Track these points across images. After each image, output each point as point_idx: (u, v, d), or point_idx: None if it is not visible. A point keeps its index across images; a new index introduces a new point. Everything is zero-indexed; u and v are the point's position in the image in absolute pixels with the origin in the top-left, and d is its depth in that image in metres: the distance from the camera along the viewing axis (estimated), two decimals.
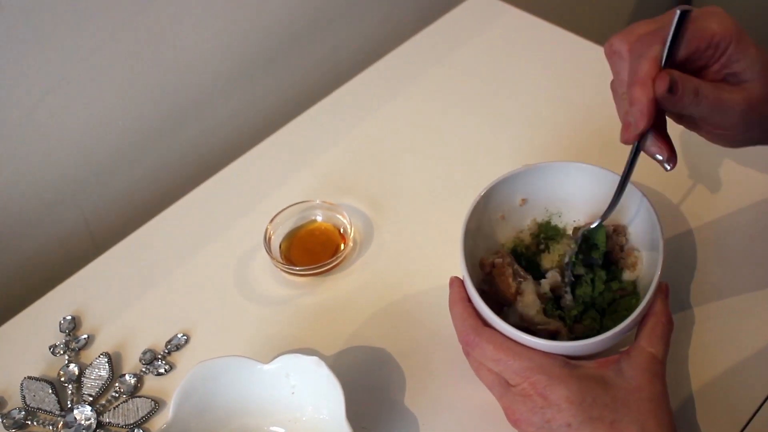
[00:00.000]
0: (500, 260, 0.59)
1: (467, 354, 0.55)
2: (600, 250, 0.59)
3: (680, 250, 0.67)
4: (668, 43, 0.47)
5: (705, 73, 0.50)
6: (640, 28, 0.50)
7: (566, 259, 0.59)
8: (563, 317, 0.58)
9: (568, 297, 0.58)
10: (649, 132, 0.50)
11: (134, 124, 0.79)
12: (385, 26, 1.00)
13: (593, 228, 0.58)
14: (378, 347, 0.63)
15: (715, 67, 0.50)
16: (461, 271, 0.56)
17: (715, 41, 0.48)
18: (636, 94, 0.47)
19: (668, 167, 0.52)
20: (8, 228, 0.73)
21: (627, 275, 0.60)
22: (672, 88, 0.47)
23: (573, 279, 0.58)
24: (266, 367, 0.55)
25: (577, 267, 0.58)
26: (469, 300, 0.55)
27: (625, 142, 0.50)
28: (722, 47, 0.49)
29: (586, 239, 0.58)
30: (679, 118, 0.53)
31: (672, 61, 0.48)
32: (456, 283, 0.57)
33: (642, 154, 0.52)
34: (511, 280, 0.58)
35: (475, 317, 0.54)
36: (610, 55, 0.52)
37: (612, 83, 0.53)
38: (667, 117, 0.52)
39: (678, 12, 0.46)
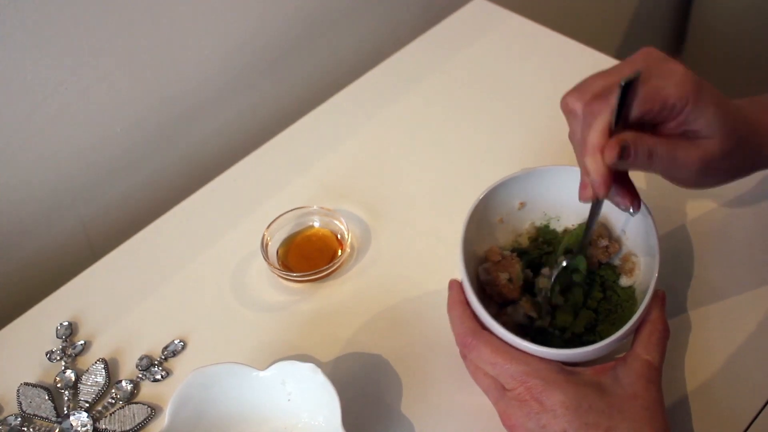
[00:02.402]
0: (509, 254, 0.60)
1: (464, 357, 0.56)
2: (581, 273, 0.58)
3: (677, 255, 0.67)
4: (614, 109, 0.47)
5: (662, 128, 0.50)
6: (595, 85, 0.50)
7: (542, 293, 0.59)
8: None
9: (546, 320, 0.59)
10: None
11: (132, 129, 0.79)
12: (383, 31, 1.00)
13: (568, 264, 0.58)
14: (374, 353, 0.63)
15: (671, 125, 0.50)
16: (460, 274, 0.56)
17: (669, 104, 0.48)
18: (589, 164, 0.48)
19: (632, 212, 0.53)
20: (6, 233, 0.73)
21: (624, 281, 0.60)
22: (623, 155, 0.47)
23: (550, 309, 0.58)
24: (262, 373, 0.54)
25: (555, 297, 0.58)
26: (468, 303, 0.55)
27: (582, 200, 0.51)
28: (678, 108, 0.49)
29: (564, 270, 0.58)
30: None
31: (625, 122, 0.48)
32: (455, 285, 0.57)
33: None
34: (515, 276, 0.58)
35: (473, 320, 0.54)
36: (566, 113, 0.52)
37: (570, 137, 0.53)
38: None
39: (621, 83, 0.46)
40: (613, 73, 0.51)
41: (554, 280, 0.57)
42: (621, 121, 0.47)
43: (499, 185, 0.60)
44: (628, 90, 0.46)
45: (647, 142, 0.48)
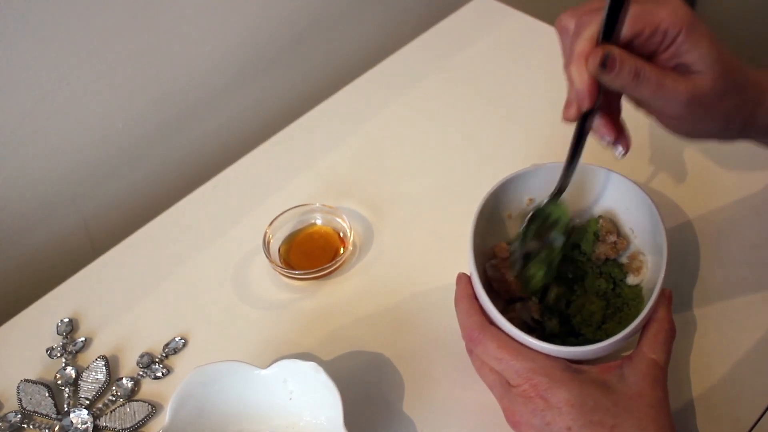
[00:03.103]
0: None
1: (470, 351, 0.55)
2: (560, 228, 0.57)
3: (684, 254, 0.66)
4: (603, 19, 0.46)
5: (655, 60, 0.49)
6: (592, 3, 0.49)
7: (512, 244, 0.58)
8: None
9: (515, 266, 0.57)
10: (594, 112, 0.50)
11: (134, 126, 0.78)
12: (386, 29, 0.99)
13: (543, 206, 0.56)
14: (376, 352, 0.62)
15: (665, 56, 0.49)
16: (469, 267, 0.55)
17: (662, 28, 0.47)
18: (571, 73, 0.47)
19: (618, 152, 0.51)
20: (7, 229, 0.73)
21: (631, 279, 0.59)
22: (605, 64, 0.46)
23: (522, 256, 0.57)
24: (264, 372, 0.54)
25: (527, 242, 0.56)
26: (475, 297, 0.55)
27: (565, 119, 0.50)
28: (671, 36, 0.47)
29: (534, 218, 0.57)
30: (636, 103, 0.52)
31: (615, 41, 0.47)
32: (463, 279, 0.57)
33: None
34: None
35: (480, 314, 0.54)
36: (560, 31, 0.51)
37: (564, 65, 0.51)
38: (625, 103, 0.51)
39: None
40: None
41: (527, 223, 0.56)
42: (612, 38, 0.46)
43: (508, 180, 0.60)
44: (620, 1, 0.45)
45: (634, 61, 0.47)
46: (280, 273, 0.68)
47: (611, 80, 0.47)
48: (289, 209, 0.71)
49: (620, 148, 0.51)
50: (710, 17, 1.50)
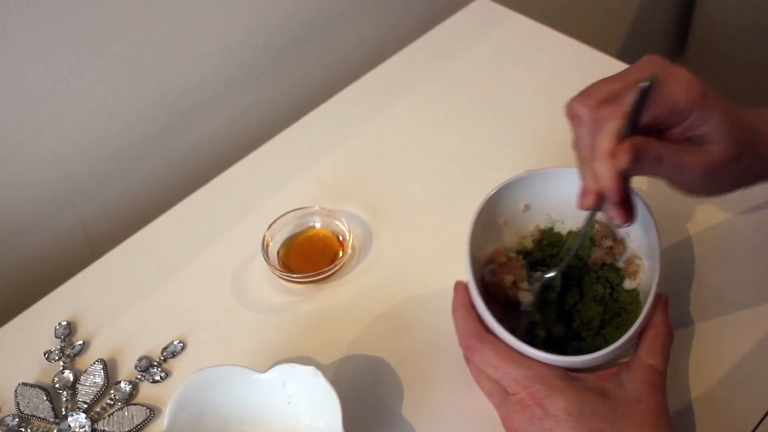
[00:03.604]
0: (514, 256, 0.60)
1: (467, 359, 0.55)
2: (555, 291, 0.59)
3: (681, 259, 0.66)
4: (629, 117, 0.47)
5: (667, 134, 0.50)
6: (601, 91, 0.50)
7: (522, 307, 0.58)
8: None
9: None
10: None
11: (133, 127, 0.78)
12: (385, 31, 0.99)
13: (549, 277, 0.58)
14: (376, 356, 0.62)
15: (678, 130, 0.50)
16: (466, 275, 0.55)
17: (678, 108, 0.48)
18: (600, 170, 0.48)
19: (620, 226, 0.53)
20: (5, 231, 0.73)
21: (628, 284, 0.59)
22: (636, 159, 0.47)
23: (528, 324, 0.58)
24: (263, 376, 0.54)
25: (533, 314, 0.58)
26: (473, 305, 0.55)
27: (583, 209, 0.51)
28: (686, 113, 0.48)
29: (544, 288, 0.58)
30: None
31: (634, 127, 0.48)
32: (460, 287, 0.57)
33: None
34: (519, 279, 0.58)
35: (477, 322, 0.54)
36: (571, 119, 0.51)
37: (573, 144, 0.52)
38: None
39: (641, 87, 0.46)
40: (617, 79, 0.50)
41: (535, 296, 0.57)
42: (630, 126, 0.47)
43: (503, 187, 0.60)
44: (645, 94, 0.46)
45: (656, 147, 0.48)
46: (278, 276, 0.68)
47: (636, 171, 0.48)
48: (287, 212, 0.71)
49: (627, 225, 0.53)
50: (709, 17, 1.50)
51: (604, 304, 0.59)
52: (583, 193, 0.51)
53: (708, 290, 0.64)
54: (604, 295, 0.59)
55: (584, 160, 0.50)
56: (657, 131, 0.50)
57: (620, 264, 0.61)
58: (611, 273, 0.60)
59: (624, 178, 0.48)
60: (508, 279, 0.58)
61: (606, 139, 0.47)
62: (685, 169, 0.50)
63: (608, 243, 0.60)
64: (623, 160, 0.47)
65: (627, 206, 0.51)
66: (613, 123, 0.47)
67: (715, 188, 0.53)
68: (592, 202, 0.50)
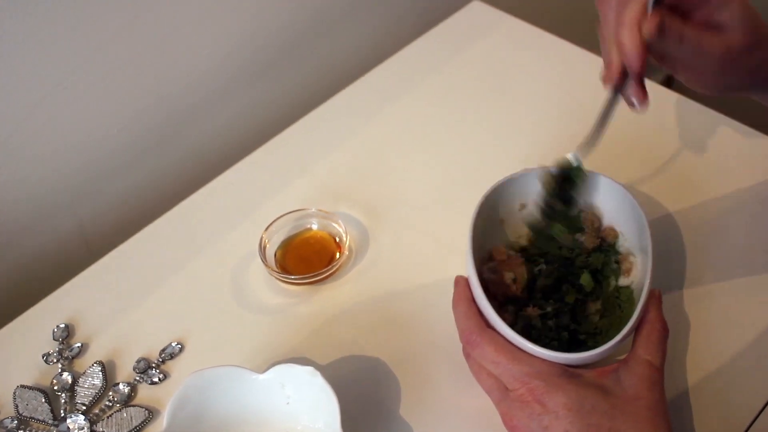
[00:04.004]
0: (514, 254, 0.60)
1: (467, 355, 0.55)
2: (578, 189, 0.57)
3: (673, 255, 0.67)
4: None
5: (688, 18, 0.52)
6: None
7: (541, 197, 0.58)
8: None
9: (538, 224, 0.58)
10: (629, 77, 0.52)
11: (130, 130, 0.78)
12: (381, 34, 1.00)
13: (573, 166, 0.56)
14: (373, 356, 0.63)
15: (699, 14, 0.52)
16: (468, 270, 0.55)
17: None
18: (624, 37, 0.50)
19: (640, 109, 0.54)
20: (2, 233, 0.73)
21: (622, 281, 0.60)
22: (660, 31, 0.49)
23: (544, 214, 0.57)
24: (261, 377, 0.54)
25: (553, 200, 0.57)
26: (474, 300, 0.55)
27: (606, 81, 0.53)
28: None
29: (564, 177, 0.57)
30: (660, 60, 0.55)
31: (658, 4, 0.49)
32: (461, 282, 0.57)
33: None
34: (519, 276, 0.59)
35: (478, 317, 0.54)
36: (600, 3, 0.53)
37: (600, 29, 0.54)
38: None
39: None
40: None
41: (553, 181, 0.56)
42: (656, 4, 0.49)
43: (500, 185, 0.60)
44: None
45: (679, 25, 0.50)
46: (276, 278, 0.68)
47: (660, 43, 0.50)
48: (285, 214, 0.71)
49: (643, 107, 0.54)
50: None
51: (599, 299, 0.60)
52: (607, 65, 0.53)
53: (701, 286, 0.65)
54: (598, 291, 0.60)
55: (609, 39, 0.52)
56: (680, 14, 0.51)
57: (614, 263, 0.61)
58: (606, 268, 0.61)
59: (646, 50, 0.50)
60: (509, 276, 0.59)
61: (633, 10, 0.50)
62: (703, 51, 0.51)
63: (596, 224, 0.60)
64: (650, 27, 0.48)
65: (644, 88, 0.53)
66: None
67: (728, 80, 0.54)
68: (616, 75, 0.52)
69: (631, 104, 0.54)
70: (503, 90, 0.85)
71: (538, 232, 0.59)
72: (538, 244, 0.61)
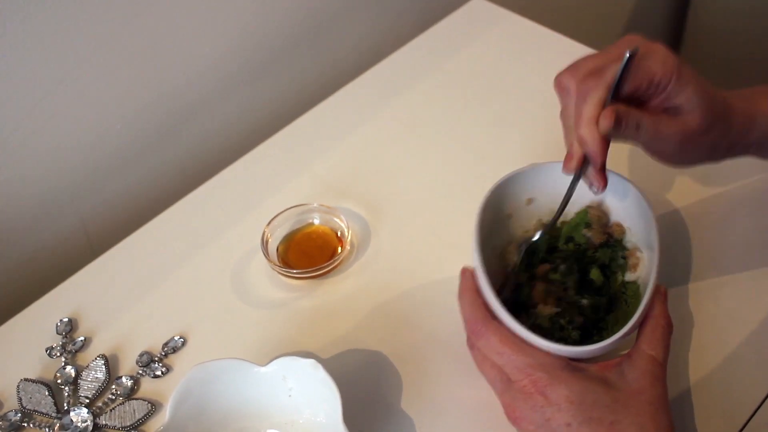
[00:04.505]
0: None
1: (471, 345, 0.56)
2: (538, 256, 0.61)
3: (678, 251, 0.67)
4: (613, 86, 0.51)
5: (646, 105, 0.54)
6: (587, 64, 0.54)
7: (509, 269, 0.61)
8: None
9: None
10: (589, 164, 0.55)
11: (132, 127, 0.79)
12: (382, 31, 1.00)
13: (534, 241, 0.60)
14: (375, 350, 0.63)
15: (656, 102, 0.54)
16: (475, 262, 0.56)
17: (656, 80, 0.53)
18: (585, 134, 0.52)
19: (596, 192, 0.57)
20: (6, 230, 0.73)
21: (629, 276, 0.60)
22: (617, 124, 0.51)
23: (514, 285, 0.60)
24: (263, 369, 0.55)
25: (520, 275, 0.60)
26: (479, 291, 0.55)
27: (567, 172, 0.56)
28: (663, 85, 0.53)
29: (528, 251, 0.60)
30: (624, 140, 0.57)
31: (616, 96, 0.52)
32: (467, 273, 0.57)
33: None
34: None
35: (483, 308, 0.54)
36: (559, 90, 0.56)
37: (561, 114, 0.56)
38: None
39: (627, 54, 0.50)
40: (601, 55, 0.54)
41: (522, 257, 0.60)
42: (613, 96, 0.52)
43: (509, 178, 0.60)
44: (628, 64, 0.51)
45: (635, 114, 0.52)
46: (278, 272, 0.68)
47: (617, 134, 0.52)
48: (287, 209, 0.71)
49: (600, 192, 0.57)
50: (703, 18, 1.51)
51: (606, 294, 0.60)
52: (567, 157, 0.55)
53: (704, 283, 0.65)
54: (605, 286, 0.60)
55: (570, 128, 0.55)
56: (637, 103, 0.54)
57: (621, 259, 0.61)
58: (613, 263, 0.61)
59: (606, 142, 0.52)
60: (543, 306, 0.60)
61: (591, 107, 0.52)
62: (661, 137, 0.54)
63: (604, 220, 0.61)
64: (606, 124, 0.51)
65: (604, 174, 0.55)
66: (598, 92, 0.52)
67: (688, 157, 0.57)
68: (576, 164, 0.55)
69: (591, 185, 0.56)
70: (504, 87, 0.86)
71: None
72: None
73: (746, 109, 0.57)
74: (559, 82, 0.55)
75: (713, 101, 0.54)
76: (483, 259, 0.55)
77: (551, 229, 0.60)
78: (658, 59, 0.52)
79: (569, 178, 0.60)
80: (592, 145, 0.52)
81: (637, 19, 1.52)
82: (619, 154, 0.71)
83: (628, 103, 0.53)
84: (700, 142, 0.55)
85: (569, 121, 0.55)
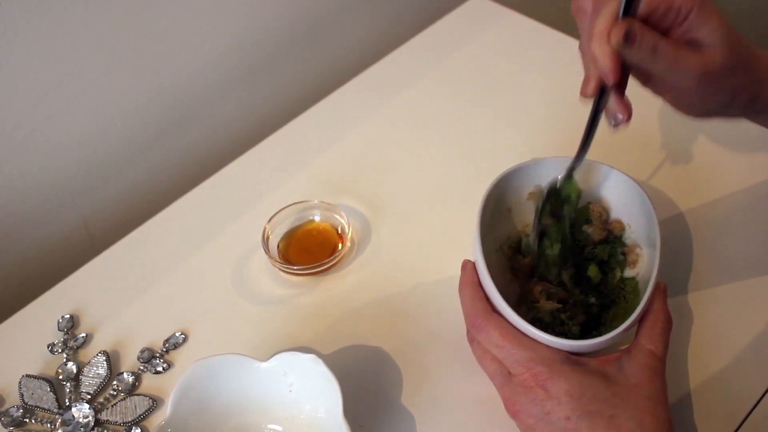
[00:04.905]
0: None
1: (472, 339, 0.56)
2: (572, 204, 0.59)
3: (678, 248, 0.67)
4: (622, 1, 0.48)
5: (668, 35, 0.50)
6: None
7: (535, 213, 0.60)
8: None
9: (532, 243, 0.60)
10: (610, 90, 0.51)
11: (133, 124, 0.79)
12: (382, 29, 1.00)
13: (561, 181, 0.58)
14: (375, 346, 0.63)
15: (678, 32, 0.50)
16: (475, 255, 0.56)
17: (675, 5, 0.49)
18: (594, 49, 0.49)
19: (622, 126, 0.53)
20: (7, 227, 0.73)
21: (628, 272, 0.60)
22: (628, 38, 0.47)
23: (540, 229, 0.59)
24: (264, 364, 0.55)
25: (545, 217, 0.59)
26: (480, 285, 0.55)
27: (583, 95, 0.52)
28: (683, 12, 0.49)
29: (554, 193, 0.59)
30: (644, 81, 0.53)
31: (632, 17, 0.49)
32: (468, 266, 0.57)
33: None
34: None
35: (484, 301, 0.54)
36: (576, 13, 0.53)
37: (580, 44, 0.53)
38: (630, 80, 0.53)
39: None
40: None
41: (543, 201, 0.58)
42: (630, 14, 0.48)
43: (510, 173, 0.61)
44: None
45: (652, 35, 0.48)
46: (279, 269, 0.69)
47: (632, 54, 0.49)
48: (287, 206, 0.71)
49: (626, 124, 0.53)
50: None
51: (604, 291, 0.60)
52: (585, 81, 0.52)
53: (704, 279, 0.65)
54: (604, 282, 0.60)
55: (585, 47, 0.51)
56: (660, 31, 0.50)
57: (620, 255, 0.61)
58: (612, 260, 0.61)
59: (619, 59, 0.49)
60: (529, 252, 0.59)
61: (601, 21, 0.49)
62: (681, 67, 0.49)
63: (604, 217, 0.61)
64: (616, 36, 0.47)
65: (627, 103, 0.52)
66: (610, 6, 0.49)
67: (707, 101, 0.53)
68: (594, 86, 0.51)
69: (615, 120, 0.52)
70: (504, 84, 0.86)
71: (532, 252, 0.60)
72: (541, 268, 0.61)
73: None
74: (576, 4, 0.52)
75: (738, 42, 0.51)
76: (484, 253, 0.55)
77: (573, 170, 0.58)
78: None
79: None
80: (603, 61, 0.48)
81: None
82: (621, 151, 0.71)
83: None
84: (722, 85, 0.51)
85: (585, 45, 0.51)
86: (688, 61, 0.49)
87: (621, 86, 0.52)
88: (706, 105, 0.53)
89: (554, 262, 0.59)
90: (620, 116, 0.52)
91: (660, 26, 0.50)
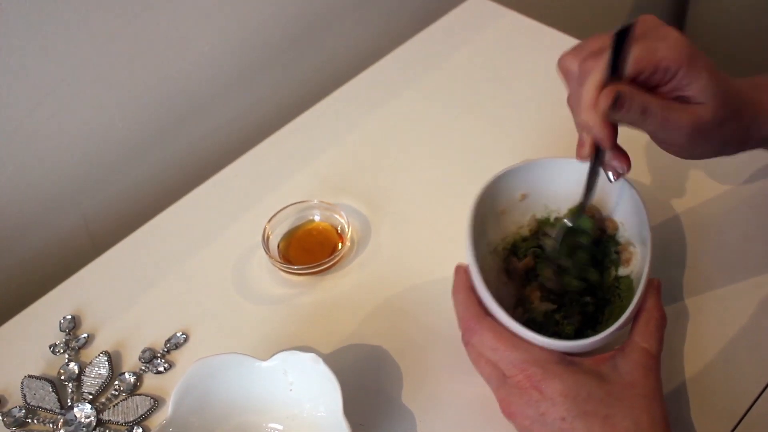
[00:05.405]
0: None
1: (466, 343, 0.56)
2: (588, 235, 0.60)
3: (672, 245, 0.68)
4: (609, 59, 0.48)
5: (657, 91, 0.51)
6: (591, 44, 0.52)
7: (549, 251, 0.60)
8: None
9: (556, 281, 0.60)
10: (605, 150, 0.52)
11: (134, 125, 0.79)
12: (382, 29, 1.00)
13: (576, 220, 0.59)
14: (375, 345, 0.63)
15: (666, 89, 0.51)
16: (468, 259, 0.56)
17: (663, 66, 0.49)
18: (587, 119, 0.49)
19: (625, 173, 0.54)
20: (8, 228, 0.74)
21: (622, 271, 0.60)
22: (616, 104, 0.48)
23: (557, 272, 0.59)
24: (264, 364, 0.55)
25: (562, 257, 0.59)
26: (473, 288, 0.56)
27: (580, 159, 0.53)
28: (671, 72, 0.50)
29: (571, 231, 0.59)
30: (634, 127, 0.54)
31: (619, 78, 0.49)
32: (461, 270, 0.57)
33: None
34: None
35: (477, 305, 0.54)
36: (564, 73, 0.53)
37: (568, 99, 0.54)
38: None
39: (614, 33, 0.47)
40: (607, 35, 0.51)
41: (560, 240, 0.58)
42: (616, 76, 0.48)
43: (501, 175, 0.61)
44: (622, 40, 0.47)
45: (641, 97, 0.49)
46: (279, 268, 0.69)
47: (621, 117, 0.49)
48: (287, 206, 0.72)
49: (620, 170, 0.54)
50: (702, 17, 1.51)
51: (599, 289, 0.60)
52: (580, 144, 0.52)
53: (699, 276, 0.65)
54: (598, 281, 0.60)
55: (576, 113, 0.52)
56: (647, 89, 0.50)
57: (614, 253, 0.62)
58: (606, 259, 0.61)
59: (612, 124, 0.49)
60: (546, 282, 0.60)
61: (589, 88, 0.49)
62: (671, 126, 0.51)
63: (597, 216, 0.61)
64: (604, 102, 0.48)
65: (622, 153, 0.53)
66: (596, 74, 0.49)
67: (699, 149, 0.54)
68: (589, 151, 0.52)
69: (615, 173, 0.54)
70: (503, 84, 0.86)
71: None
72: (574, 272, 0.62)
73: (763, 102, 0.55)
74: (562, 65, 0.53)
75: (728, 95, 0.52)
76: (476, 256, 0.55)
77: (582, 211, 0.58)
78: (668, 44, 0.49)
79: (564, 174, 0.61)
80: (596, 129, 0.49)
81: (637, 17, 1.52)
82: None
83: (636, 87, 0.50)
84: (712, 135, 0.52)
85: (575, 108, 0.52)
86: (679, 119, 0.50)
87: (612, 146, 0.52)
88: (698, 153, 0.55)
89: (577, 292, 0.60)
90: (620, 169, 0.53)
91: (648, 84, 0.50)
